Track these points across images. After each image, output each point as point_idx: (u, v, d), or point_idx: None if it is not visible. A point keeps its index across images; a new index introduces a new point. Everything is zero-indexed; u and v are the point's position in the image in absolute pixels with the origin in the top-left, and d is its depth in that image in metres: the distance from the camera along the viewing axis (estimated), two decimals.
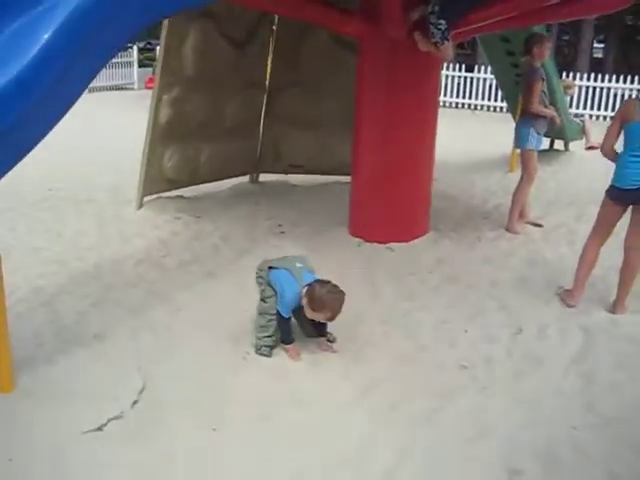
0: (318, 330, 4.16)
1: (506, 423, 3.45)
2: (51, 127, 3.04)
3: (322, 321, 4.03)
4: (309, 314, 3.92)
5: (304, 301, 3.88)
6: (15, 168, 2.99)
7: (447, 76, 18.10)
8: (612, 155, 4.72)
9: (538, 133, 6.61)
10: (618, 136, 4.67)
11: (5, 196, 7.27)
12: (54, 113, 3.03)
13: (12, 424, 3.27)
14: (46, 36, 2.83)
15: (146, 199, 7.27)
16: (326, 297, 3.82)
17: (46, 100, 2.88)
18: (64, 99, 3.04)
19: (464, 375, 3.94)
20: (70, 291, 4.94)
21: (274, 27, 8.05)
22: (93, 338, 4.19)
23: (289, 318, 4.04)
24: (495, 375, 3.95)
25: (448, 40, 5.36)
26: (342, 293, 3.87)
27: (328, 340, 4.21)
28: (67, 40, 2.86)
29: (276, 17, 7.91)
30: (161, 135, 7.01)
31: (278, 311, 4.00)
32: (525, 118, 6.69)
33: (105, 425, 3.29)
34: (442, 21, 5.21)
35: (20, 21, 3.05)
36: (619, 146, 4.70)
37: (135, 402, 3.50)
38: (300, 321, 4.19)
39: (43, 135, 3.03)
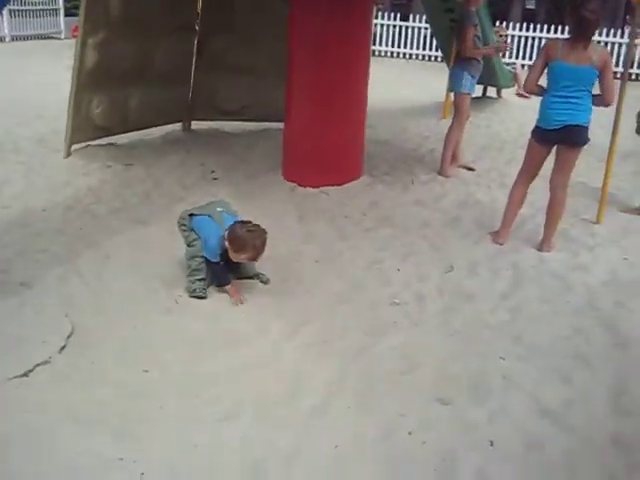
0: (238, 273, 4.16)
1: (437, 356, 3.52)
2: None
3: (245, 261, 3.99)
4: (232, 256, 3.90)
5: (226, 244, 3.85)
6: None
7: (382, 25, 18.02)
8: (536, 90, 4.78)
9: (472, 76, 6.64)
10: (541, 73, 4.72)
11: None
12: None
13: None
14: None
15: (75, 147, 7.04)
16: (246, 236, 3.80)
17: None
18: None
19: (396, 312, 3.99)
20: None
21: None
22: (19, 286, 4.06)
23: (219, 262, 3.99)
24: (427, 311, 4.02)
25: None
26: (263, 231, 3.86)
27: (261, 281, 4.20)
28: None
29: None
30: (88, 81, 6.76)
31: (206, 257, 3.96)
32: (459, 62, 6.72)
33: (31, 371, 3.21)
34: None
35: None
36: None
37: (63, 347, 3.43)
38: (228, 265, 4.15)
39: None
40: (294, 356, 3.46)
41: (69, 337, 3.52)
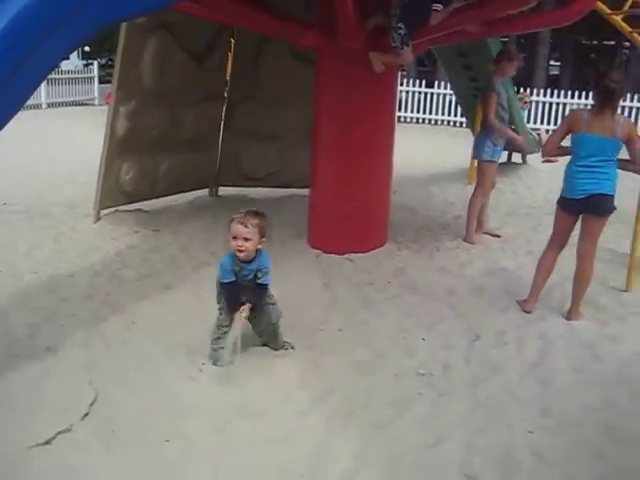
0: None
1: (463, 429, 3.44)
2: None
3: (244, 236, 3.79)
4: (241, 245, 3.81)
5: (232, 249, 3.83)
6: None
7: (408, 92, 18.32)
8: (556, 152, 4.83)
9: (494, 144, 6.66)
10: (561, 139, 4.77)
11: None
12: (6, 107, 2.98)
13: None
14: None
15: (104, 213, 7.17)
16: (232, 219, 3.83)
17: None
18: (16, 94, 2.99)
19: (421, 382, 3.92)
20: (23, 304, 4.82)
21: (233, 39, 8.05)
22: (45, 351, 4.09)
23: (232, 282, 3.91)
24: (453, 382, 3.95)
25: (408, 45, 5.41)
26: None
27: (285, 349, 4.18)
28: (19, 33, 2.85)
29: (235, 29, 7.91)
30: (118, 148, 6.94)
31: (221, 284, 3.95)
32: (482, 129, 6.78)
33: (53, 439, 3.19)
34: (401, 25, 5.26)
35: None
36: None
37: (86, 415, 3.41)
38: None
39: None
40: (318, 427, 3.40)
41: (92, 404, 3.51)
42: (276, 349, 4.20)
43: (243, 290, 3.95)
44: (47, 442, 3.16)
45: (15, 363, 3.90)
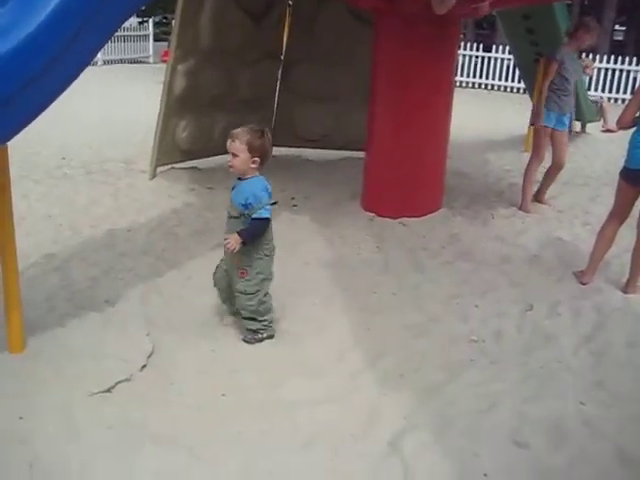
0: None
1: (514, 397, 3.43)
2: (63, 88, 3.02)
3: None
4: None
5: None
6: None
7: (465, 56, 17.96)
8: (630, 124, 4.66)
9: (548, 110, 6.49)
10: (637, 110, 4.61)
11: (19, 165, 7.29)
12: (66, 74, 3.02)
13: (22, 383, 3.29)
14: None
15: (160, 170, 7.28)
16: None
17: (58, 60, 2.88)
18: (76, 60, 3.03)
19: (474, 349, 3.92)
20: (82, 258, 4.96)
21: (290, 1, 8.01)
22: (104, 303, 4.21)
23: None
24: (505, 350, 3.94)
25: None
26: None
27: (247, 340, 3.89)
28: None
29: None
30: (176, 105, 7.01)
31: None
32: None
33: (113, 387, 3.31)
34: None
35: None
36: None
37: (144, 366, 3.52)
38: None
39: (56, 95, 3.02)
40: (370, 388, 3.44)
41: (149, 356, 3.62)
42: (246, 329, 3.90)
43: (231, 222, 3.78)
44: (108, 390, 3.28)
45: (76, 314, 4.03)
